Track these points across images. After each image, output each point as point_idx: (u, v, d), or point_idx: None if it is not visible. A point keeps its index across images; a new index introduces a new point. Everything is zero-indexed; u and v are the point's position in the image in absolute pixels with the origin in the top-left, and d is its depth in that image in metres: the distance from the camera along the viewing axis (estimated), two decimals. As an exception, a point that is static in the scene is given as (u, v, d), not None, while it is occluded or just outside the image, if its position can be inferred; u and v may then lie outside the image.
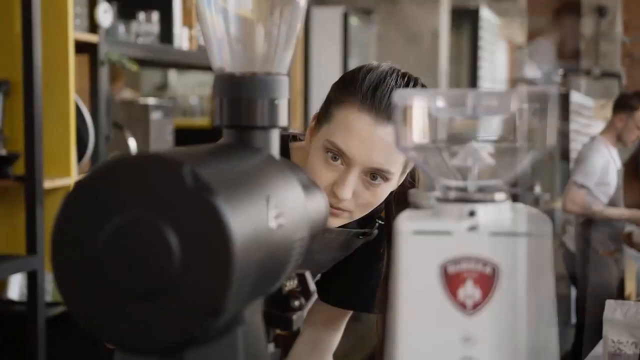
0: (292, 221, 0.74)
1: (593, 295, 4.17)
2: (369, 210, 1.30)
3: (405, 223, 0.70)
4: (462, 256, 0.68)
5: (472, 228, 0.69)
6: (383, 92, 1.22)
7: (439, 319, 0.69)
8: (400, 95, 0.72)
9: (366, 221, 1.41)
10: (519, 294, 0.68)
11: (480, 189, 0.72)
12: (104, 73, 2.68)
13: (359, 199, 1.26)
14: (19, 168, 2.42)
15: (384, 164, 1.23)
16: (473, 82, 7.50)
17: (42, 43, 2.41)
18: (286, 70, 0.86)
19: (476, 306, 0.69)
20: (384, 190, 1.26)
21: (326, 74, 4.36)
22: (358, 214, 1.29)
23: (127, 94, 4.06)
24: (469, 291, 0.69)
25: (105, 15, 2.65)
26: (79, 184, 0.63)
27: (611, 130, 4.33)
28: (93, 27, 2.67)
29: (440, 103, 0.71)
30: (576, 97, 7.36)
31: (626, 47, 10.07)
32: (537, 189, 6.30)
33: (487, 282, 0.68)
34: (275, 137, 0.84)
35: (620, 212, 4.37)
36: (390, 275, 1.11)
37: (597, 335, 4.78)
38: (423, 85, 1.28)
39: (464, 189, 0.72)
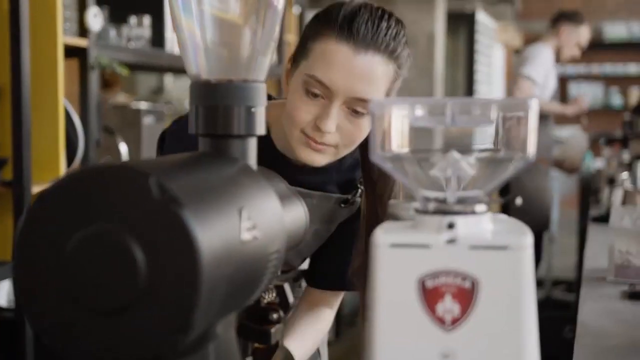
0: (267, 233, 0.71)
1: (528, 201, 4.24)
2: (353, 147, 1.28)
3: (382, 235, 0.68)
4: (440, 270, 0.66)
5: (451, 241, 0.67)
6: (359, 22, 1.21)
7: (417, 334, 0.67)
8: (377, 104, 0.69)
9: (347, 189, 1.41)
10: (499, 309, 0.66)
11: (461, 200, 0.70)
12: (94, 77, 2.66)
13: (343, 132, 1.24)
14: (7, 173, 2.39)
15: (366, 93, 1.21)
16: (469, 85, 7.49)
17: (30, 47, 2.38)
18: (264, 77, 0.83)
19: (455, 321, 0.67)
20: (368, 122, 1.25)
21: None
22: (343, 150, 1.27)
23: (121, 98, 4.04)
24: (448, 306, 0.66)
25: (95, 19, 2.62)
26: (43, 194, 0.61)
27: (551, 41, 4.46)
28: (83, 31, 2.65)
29: (419, 112, 0.69)
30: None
31: None
32: None
33: (467, 296, 0.66)
34: (252, 145, 0.82)
35: (563, 107, 4.59)
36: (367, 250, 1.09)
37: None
38: (398, 21, 1.27)
39: (443, 200, 0.70)
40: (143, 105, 3.18)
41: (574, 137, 4.75)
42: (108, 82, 3.93)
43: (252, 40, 0.83)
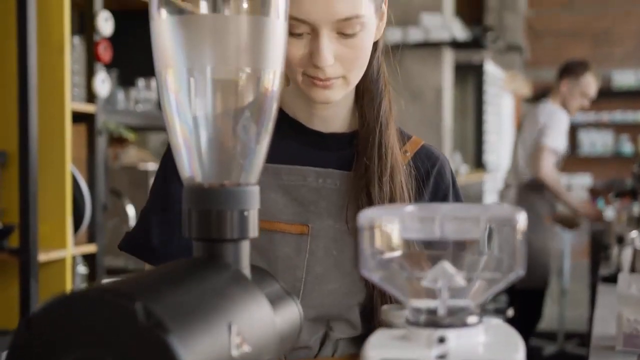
0: (258, 345, 0.71)
1: (531, 258, 4.16)
2: (362, 69, 1.19)
3: (373, 350, 0.67)
4: (431, 386, 0.66)
5: (442, 357, 0.66)
6: None
7: None
8: (365, 216, 0.70)
9: None
10: None
11: (452, 312, 0.69)
12: (101, 142, 2.68)
13: (343, 59, 1.16)
14: (13, 240, 2.40)
15: (350, 10, 1.13)
16: (479, 136, 7.50)
17: (39, 113, 2.41)
18: (256, 179, 0.84)
19: None
20: (364, 38, 1.17)
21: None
22: (354, 78, 1.19)
23: (132, 152, 4.06)
24: None
25: (102, 85, 2.66)
26: (30, 318, 0.61)
27: (557, 97, 4.46)
28: (91, 96, 2.68)
29: (408, 224, 0.69)
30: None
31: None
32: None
33: (458, 414, 0.65)
34: (245, 248, 0.82)
35: (577, 202, 4.53)
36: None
37: (527, 300, 4.75)
38: None
39: (434, 311, 0.69)
40: (151, 166, 3.19)
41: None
42: (119, 139, 3.97)
43: (245, 143, 0.83)
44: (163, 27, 0.80)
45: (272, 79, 0.82)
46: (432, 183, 1.28)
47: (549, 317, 6.47)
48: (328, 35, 1.15)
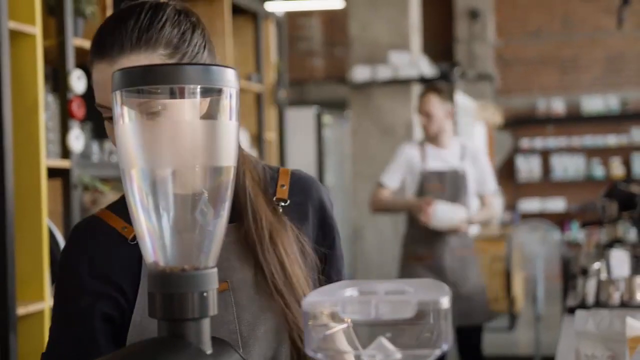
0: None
1: (467, 298, 4.07)
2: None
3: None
4: None
5: None
6: (105, 35, 1.18)
7: None
8: (308, 303, 0.78)
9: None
10: None
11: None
12: (76, 196, 2.76)
13: None
14: (-9, 295, 2.46)
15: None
16: (451, 165, 7.62)
17: (14, 170, 2.48)
18: (215, 262, 0.92)
19: None
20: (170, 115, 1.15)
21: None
22: None
23: (110, 197, 4.12)
24: None
25: (77, 140, 2.74)
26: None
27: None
28: (66, 152, 2.76)
29: (347, 307, 0.78)
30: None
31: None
32: None
33: None
34: (206, 325, 0.90)
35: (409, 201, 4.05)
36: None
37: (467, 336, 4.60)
38: (150, 7, 1.20)
39: (373, 383, 0.78)
40: (126, 213, 3.26)
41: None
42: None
43: (203, 228, 0.92)
44: (126, 130, 0.89)
45: (227, 172, 0.91)
46: (312, 209, 1.34)
47: (525, 342, 6.57)
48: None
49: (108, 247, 1.27)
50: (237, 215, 1.26)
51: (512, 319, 7.03)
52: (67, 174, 2.75)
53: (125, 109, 0.89)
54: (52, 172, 2.70)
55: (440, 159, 4.05)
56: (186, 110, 0.89)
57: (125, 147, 0.90)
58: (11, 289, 2.43)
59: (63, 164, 2.73)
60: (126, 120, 0.89)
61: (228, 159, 0.90)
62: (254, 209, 1.26)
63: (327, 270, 1.34)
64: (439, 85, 4.22)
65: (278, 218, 1.28)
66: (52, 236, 2.63)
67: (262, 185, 1.30)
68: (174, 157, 0.89)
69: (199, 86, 0.88)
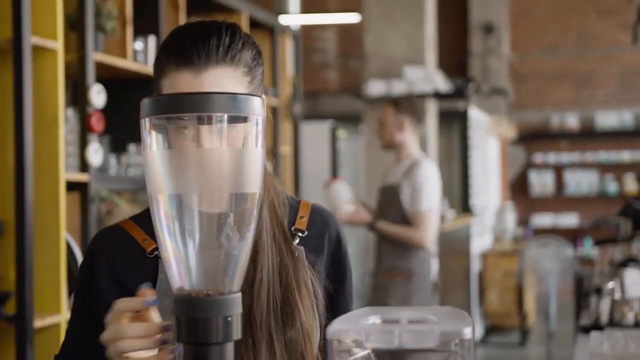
0: None
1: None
2: None
3: None
4: None
5: None
6: (190, 44, 1.20)
7: None
8: (333, 331, 0.80)
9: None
10: None
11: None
12: (94, 209, 2.78)
13: None
14: (9, 307, 2.49)
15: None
16: (464, 180, 7.62)
17: (34, 184, 2.51)
18: (239, 287, 0.94)
19: None
20: (242, 128, 1.20)
21: (317, 186, 4.46)
22: None
23: (124, 207, 4.14)
24: None
25: (95, 154, 2.76)
26: None
27: None
28: (84, 165, 2.78)
29: (370, 337, 0.79)
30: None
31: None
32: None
33: None
34: (229, 350, 0.92)
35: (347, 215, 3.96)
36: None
37: None
38: (228, 27, 1.23)
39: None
40: (142, 226, 3.28)
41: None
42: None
43: (228, 253, 0.93)
44: (154, 157, 0.91)
45: (252, 198, 0.93)
46: (328, 243, 1.35)
47: (536, 358, 6.55)
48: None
49: (126, 256, 1.29)
50: None
51: (524, 334, 7.01)
52: (85, 187, 2.77)
53: (154, 135, 0.91)
54: (70, 186, 2.72)
55: (391, 175, 4.06)
56: (213, 137, 0.91)
57: (153, 173, 0.92)
58: (29, 301, 2.45)
59: (81, 177, 2.76)
60: (154, 146, 0.91)
61: (254, 186, 0.92)
62: (255, 248, 1.24)
63: (334, 311, 1.32)
64: (401, 99, 4.25)
65: (291, 252, 1.28)
66: (69, 249, 2.65)
67: (280, 217, 1.30)
68: (201, 183, 0.91)
69: (226, 114, 0.90)
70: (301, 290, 1.26)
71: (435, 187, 3.92)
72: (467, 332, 0.77)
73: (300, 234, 1.32)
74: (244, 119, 0.92)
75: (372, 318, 0.83)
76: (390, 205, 3.95)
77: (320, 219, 1.36)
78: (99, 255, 1.30)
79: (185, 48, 1.20)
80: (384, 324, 0.81)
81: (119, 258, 1.29)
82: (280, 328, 1.23)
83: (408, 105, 4.02)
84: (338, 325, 0.81)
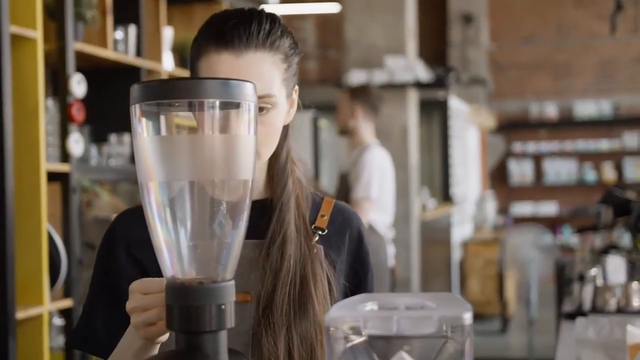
0: None
1: None
2: (275, 144, 1.26)
3: None
4: None
5: None
6: (231, 27, 1.21)
7: None
8: (331, 318, 0.79)
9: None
10: None
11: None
12: (75, 199, 2.75)
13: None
14: (-9, 300, 2.46)
15: (262, 89, 1.19)
16: (445, 169, 7.65)
17: (14, 174, 2.48)
18: (232, 275, 0.93)
19: None
20: (275, 117, 1.24)
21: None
22: (265, 153, 1.25)
23: (105, 199, 4.11)
24: None
25: (76, 144, 2.73)
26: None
27: None
28: (65, 156, 2.75)
29: (368, 323, 0.78)
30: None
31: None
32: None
33: None
34: (223, 338, 0.91)
35: None
36: None
37: None
38: (268, 15, 1.25)
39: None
40: (124, 217, 3.25)
41: None
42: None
43: (221, 240, 0.92)
44: (144, 143, 0.89)
45: (245, 185, 0.92)
46: (349, 242, 1.36)
47: (517, 346, 6.59)
48: None
49: (146, 237, 1.29)
50: (264, 232, 1.28)
51: (505, 322, 7.05)
52: (66, 177, 2.74)
53: (144, 122, 0.90)
54: (52, 176, 2.69)
55: (346, 162, 4.16)
56: (205, 123, 0.89)
57: (144, 160, 0.90)
58: (10, 293, 2.42)
59: (62, 167, 2.73)
60: (144, 133, 0.90)
61: (246, 172, 0.91)
62: (284, 238, 1.27)
63: None
64: (357, 87, 4.29)
65: (309, 246, 1.29)
66: (51, 240, 2.63)
67: (302, 211, 1.31)
68: (192, 170, 0.89)
69: (217, 100, 0.89)
70: (317, 284, 1.26)
71: (376, 176, 3.91)
72: (467, 318, 0.77)
73: (320, 232, 1.32)
74: (236, 105, 0.90)
75: (370, 304, 0.83)
76: (343, 192, 3.98)
77: (342, 218, 1.37)
78: (118, 234, 1.31)
79: (226, 30, 1.21)
80: (382, 310, 0.80)
81: (138, 238, 1.28)
82: (298, 318, 1.24)
83: (363, 93, 4.08)
84: (335, 312, 0.80)
